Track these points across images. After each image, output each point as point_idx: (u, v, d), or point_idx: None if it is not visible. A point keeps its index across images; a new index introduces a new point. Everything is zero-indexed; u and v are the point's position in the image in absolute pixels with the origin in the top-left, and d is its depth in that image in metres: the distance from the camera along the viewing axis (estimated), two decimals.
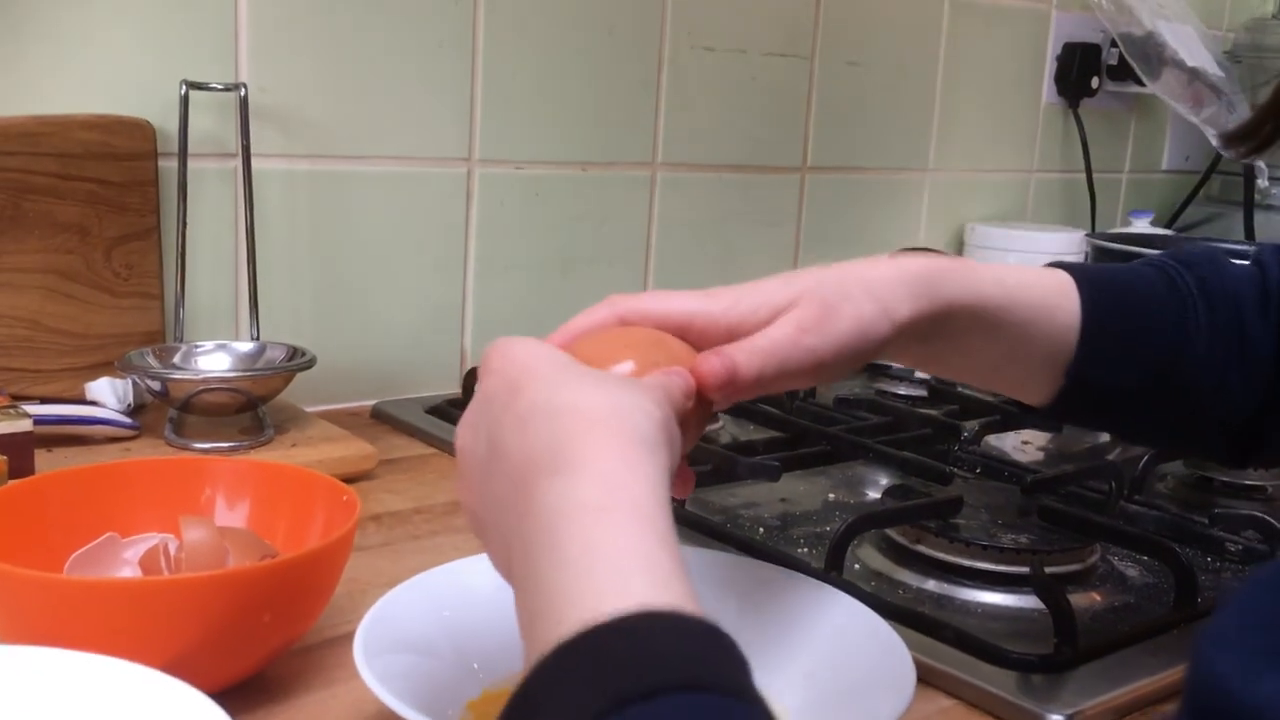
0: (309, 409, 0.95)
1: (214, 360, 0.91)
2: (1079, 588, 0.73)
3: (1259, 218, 1.60)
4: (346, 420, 0.95)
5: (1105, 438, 1.06)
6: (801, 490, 0.88)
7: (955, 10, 1.44)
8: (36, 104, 0.87)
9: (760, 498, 0.85)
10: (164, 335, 0.94)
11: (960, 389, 1.10)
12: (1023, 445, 1.03)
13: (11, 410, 0.76)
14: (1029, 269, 0.60)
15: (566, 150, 1.14)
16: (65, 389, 0.89)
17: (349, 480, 0.74)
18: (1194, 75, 1.49)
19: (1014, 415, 1.01)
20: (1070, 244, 1.44)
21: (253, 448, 0.85)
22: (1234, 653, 0.28)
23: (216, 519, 0.62)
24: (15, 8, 0.86)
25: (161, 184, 0.93)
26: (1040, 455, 1.02)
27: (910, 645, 0.52)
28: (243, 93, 0.93)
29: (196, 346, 0.92)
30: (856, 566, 0.74)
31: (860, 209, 1.40)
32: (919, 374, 1.17)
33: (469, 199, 1.09)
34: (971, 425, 0.99)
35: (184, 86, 0.91)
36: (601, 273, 1.18)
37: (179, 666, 0.46)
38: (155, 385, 0.85)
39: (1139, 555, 0.77)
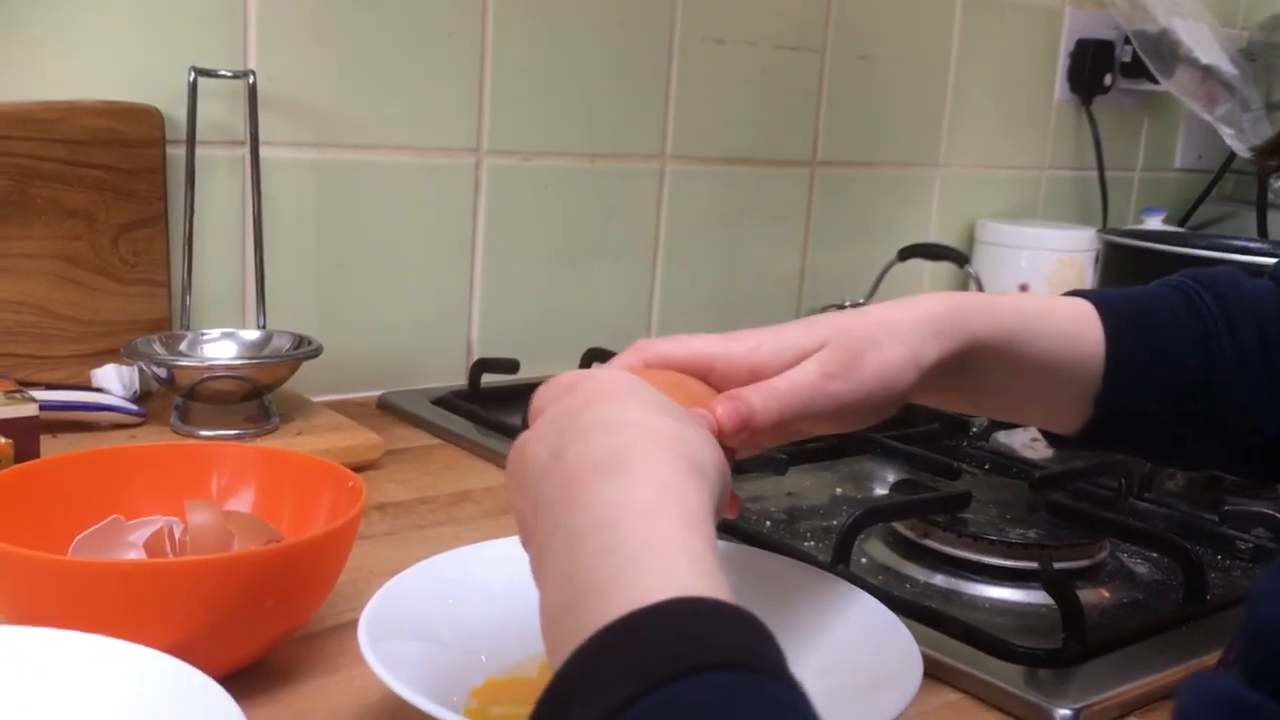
0: (315, 398, 0.95)
1: (220, 348, 0.91)
2: (1088, 584, 0.72)
3: (1272, 217, 1.59)
4: (352, 410, 0.95)
5: None
6: (809, 484, 0.88)
7: (968, 5, 1.43)
8: (45, 90, 0.87)
9: (767, 491, 0.85)
10: (170, 322, 0.94)
11: None
12: (1032, 442, 1.03)
13: (18, 394, 0.76)
14: (1048, 298, 0.60)
15: (575, 142, 1.14)
16: (71, 375, 0.89)
17: (354, 470, 0.74)
18: (1208, 73, 1.48)
19: None
20: (1082, 241, 1.43)
21: (258, 436, 0.84)
22: None
23: (222, 504, 0.62)
24: None
25: (169, 171, 0.93)
26: (1049, 451, 1.01)
27: (917, 639, 0.52)
28: (251, 80, 0.93)
29: (203, 334, 0.92)
30: (864, 560, 0.74)
31: (870, 204, 1.40)
32: None
33: (477, 189, 1.09)
34: (980, 421, 0.98)
35: (192, 73, 0.91)
36: (609, 265, 1.17)
37: (183, 649, 0.46)
38: (161, 372, 0.84)
39: (1148, 552, 0.77)
